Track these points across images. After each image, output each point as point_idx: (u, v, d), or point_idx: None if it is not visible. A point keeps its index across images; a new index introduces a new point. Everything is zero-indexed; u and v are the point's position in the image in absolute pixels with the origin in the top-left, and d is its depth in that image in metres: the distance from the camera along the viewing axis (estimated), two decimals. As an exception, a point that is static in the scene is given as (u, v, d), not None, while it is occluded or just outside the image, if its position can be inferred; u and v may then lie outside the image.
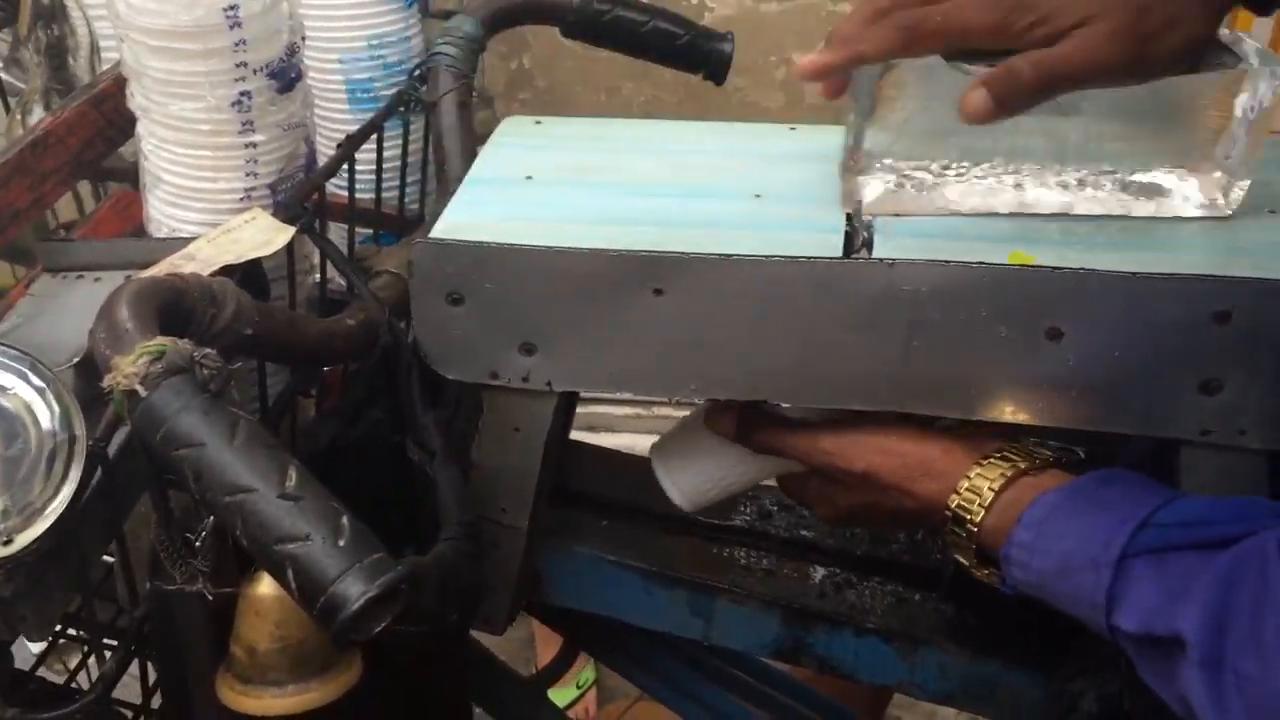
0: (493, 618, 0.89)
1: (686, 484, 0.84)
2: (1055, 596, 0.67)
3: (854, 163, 0.76)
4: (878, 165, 0.75)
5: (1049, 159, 0.75)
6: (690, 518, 0.94)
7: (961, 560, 0.73)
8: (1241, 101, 0.72)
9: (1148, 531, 0.63)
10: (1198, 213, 0.75)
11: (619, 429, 1.98)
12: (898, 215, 0.76)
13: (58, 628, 0.80)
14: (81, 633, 0.83)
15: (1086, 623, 0.66)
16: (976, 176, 0.76)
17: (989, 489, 0.71)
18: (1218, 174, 0.74)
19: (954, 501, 0.71)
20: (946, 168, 0.75)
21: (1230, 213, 0.75)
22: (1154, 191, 0.75)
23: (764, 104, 1.79)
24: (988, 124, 0.68)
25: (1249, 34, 0.74)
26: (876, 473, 0.75)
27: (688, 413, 0.87)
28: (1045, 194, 0.76)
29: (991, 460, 0.72)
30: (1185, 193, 0.75)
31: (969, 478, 0.71)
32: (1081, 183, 0.76)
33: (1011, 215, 0.76)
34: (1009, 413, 0.73)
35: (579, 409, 0.95)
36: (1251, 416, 0.70)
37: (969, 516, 0.71)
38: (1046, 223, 0.75)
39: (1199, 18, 0.67)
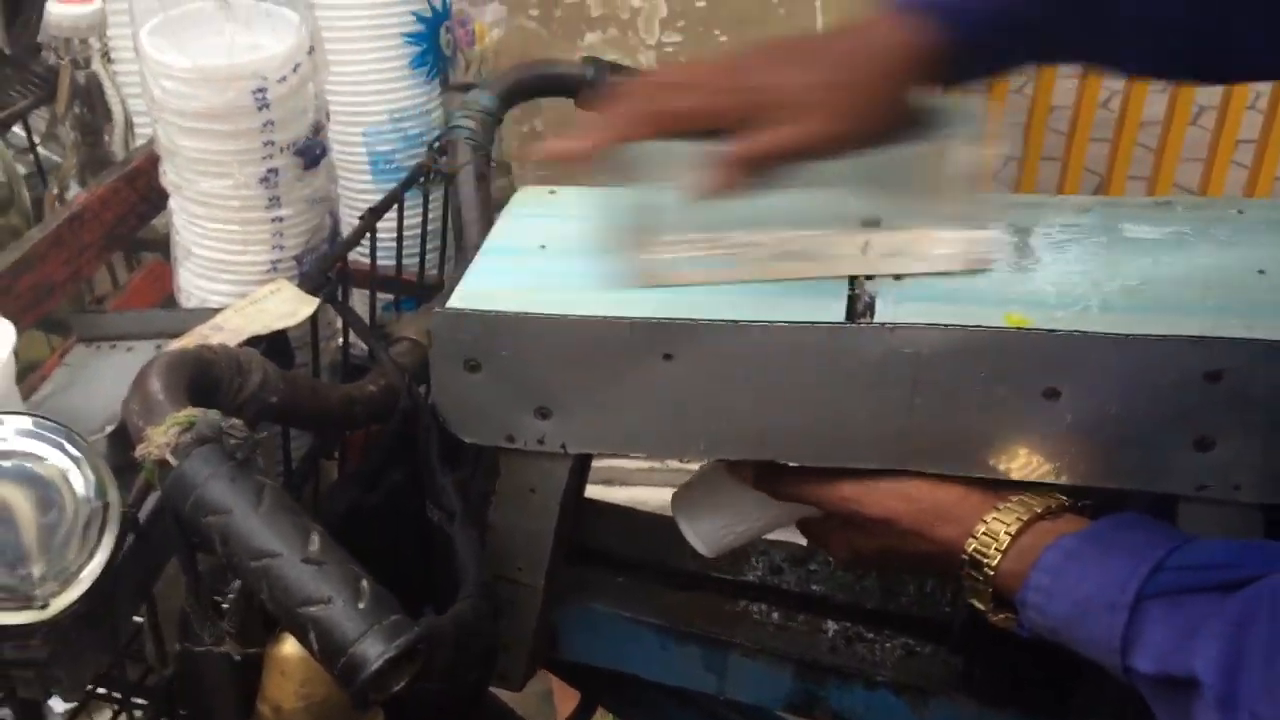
0: (510, 674, 0.91)
1: (707, 531, 0.86)
2: (1072, 640, 0.68)
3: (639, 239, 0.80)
4: (661, 239, 0.80)
5: (810, 225, 0.80)
6: (703, 574, 0.96)
7: (978, 605, 0.74)
8: (952, 163, 0.77)
9: (1162, 574, 0.65)
10: (959, 267, 0.79)
11: (633, 482, 2.00)
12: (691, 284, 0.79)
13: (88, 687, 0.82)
14: (111, 692, 0.86)
15: (1103, 665, 0.67)
16: (738, 246, 0.80)
17: (1005, 533, 0.72)
18: (963, 231, 0.79)
19: (971, 546, 0.73)
20: (717, 240, 0.80)
21: (991, 263, 0.79)
22: (912, 250, 0.80)
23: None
24: (716, 200, 0.73)
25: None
26: (895, 518, 0.76)
27: (705, 463, 0.90)
28: (813, 261, 0.80)
29: (1008, 505, 0.73)
30: (941, 250, 0.80)
31: (986, 522, 0.73)
32: (845, 247, 0.80)
33: (996, 277, 0.79)
34: (1010, 469, 0.75)
35: (594, 463, 0.98)
36: (1245, 472, 0.72)
37: (986, 560, 0.72)
38: (1043, 285, 0.78)
39: (898, 97, 0.75)
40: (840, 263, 0.80)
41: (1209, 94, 2.65)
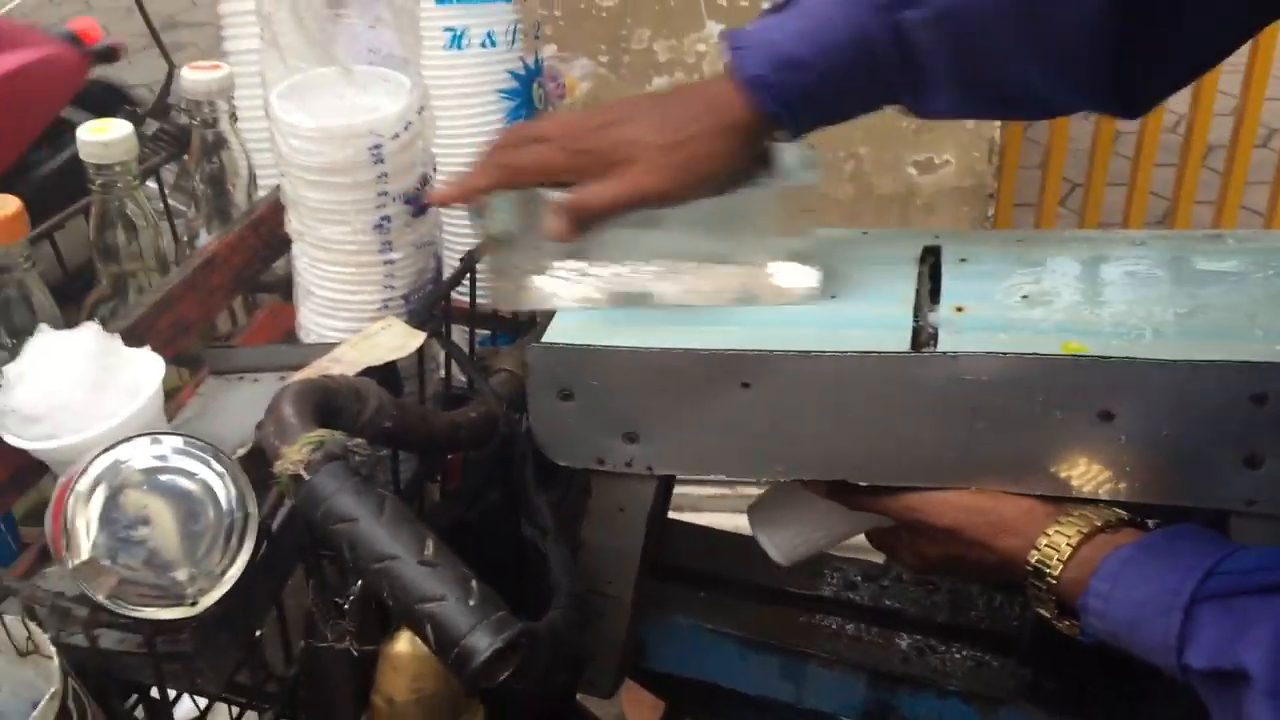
0: (600, 682, 0.97)
1: (782, 541, 0.92)
2: (1131, 642, 0.73)
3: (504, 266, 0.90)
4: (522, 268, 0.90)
5: (656, 259, 0.89)
6: (780, 588, 1.02)
7: (1043, 612, 0.79)
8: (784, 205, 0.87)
9: (1214, 579, 0.69)
10: (792, 297, 0.88)
11: (704, 508, 2.06)
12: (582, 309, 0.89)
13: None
14: (231, 695, 0.94)
15: (1159, 665, 0.71)
16: (600, 276, 0.89)
17: (1067, 544, 0.77)
18: (790, 264, 0.88)
19: (1034, 556, 0.78)
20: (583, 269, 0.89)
21: (812, 294, 0.88)
22: (751, 279, 0.88)
23: (835, 195, 1.89)
24: (567, 241, 0.85)
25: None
26: (961, 529, 0.82)
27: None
28: (652, 287, 0.89)
29: (1069, 519, 0.79)
30: (776, 281, 0.88)
31: (1048, 534, 0.78)
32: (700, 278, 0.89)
33: (1053, 307, 0.84)
34: (1066, 488, 0.80)
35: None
36: None
37: (1049, 570, 0.77)
38: (1098, 314, 0.83)
39: (725, 153, 0.84)
40: (688, 295, 0.89)
41: (1277, 116, 2.65)
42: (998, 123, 1.91)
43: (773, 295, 0.88)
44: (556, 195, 0.85)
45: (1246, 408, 0.76)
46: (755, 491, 0.98)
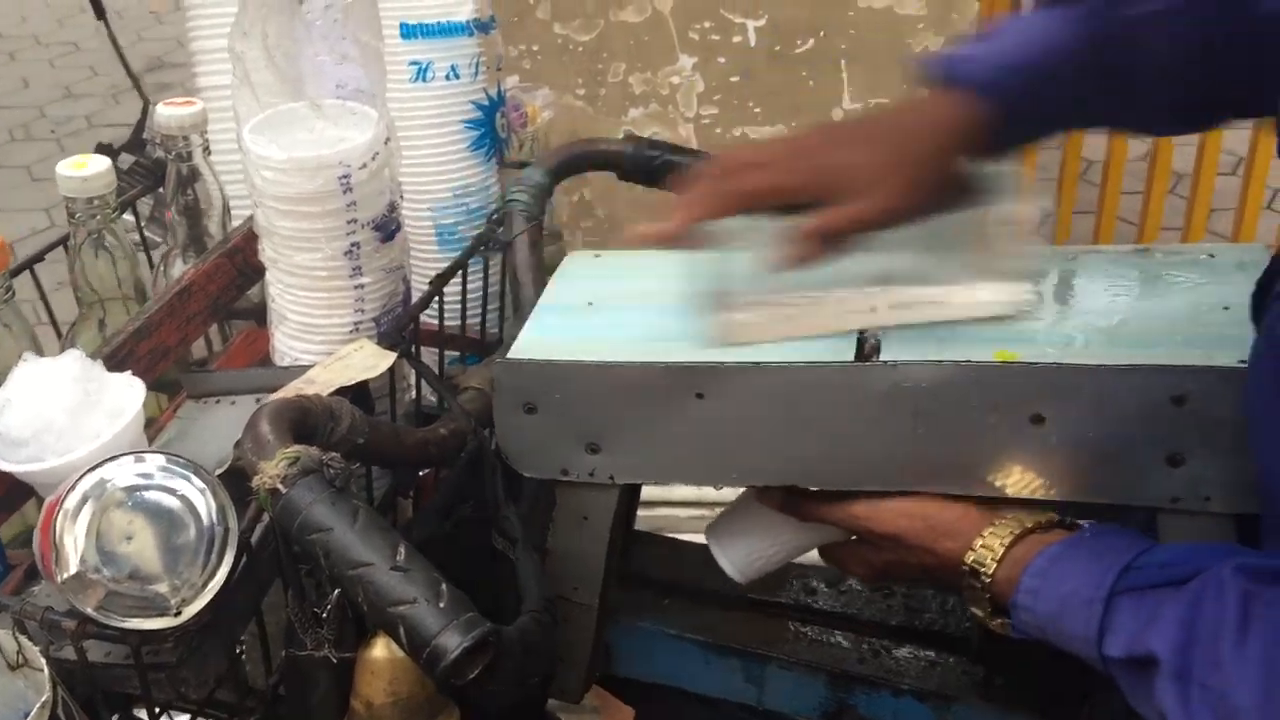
0: (568, 688, 1.01)
1: (738, 557, 0.96)
2: (1057, 634, 0.77)
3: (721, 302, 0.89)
4: (739, 302, 0.89)
5: (868, 285, 0.89)
6: (743, 595, 1.06)
7: (977, 611, 0.84)
8: (997, 226, 0.88)
9: (1131, 573, 0.74)
10: (1005, 311, 0.88)
11: (683, 530, 2.09)
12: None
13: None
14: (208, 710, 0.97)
15: (1082, 656, 0.76)
16: (800, 306, 0.89)
17: (1000, 545, 0.82)
18: (1004, 282, 0.89)
19: (970, 557, 0.83)
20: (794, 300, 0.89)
21: (1028, 308, 0.88)
22: (963, 303, 0.89)
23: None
24: (796, 269, 0.83)
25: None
26: (903, 534, 0.86)
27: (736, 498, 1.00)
28: (870, 314, 0.89)
29: (1003, 521, 0.83)
30: (986, 298, 0.89)
31: (983, 536, 0.83)
32: (897, 303, 0.89)
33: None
34: (1003, 488, 0.85)
35: (647, 514, 1.08)
36: (1214, 485, 0.81)
37: (983, 570, 0.82)
38: (1031, 324, 0.88)
39: (952, 168, 0.85)
40: (887, 315, 0.89)
41: (1240, 144, 2.72)
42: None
43: (985, 311, 0.89)
44: (787, 224, 0.84)
45: (1167, 409, 0.80)
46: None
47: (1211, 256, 0.94)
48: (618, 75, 1.87)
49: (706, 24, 1.82)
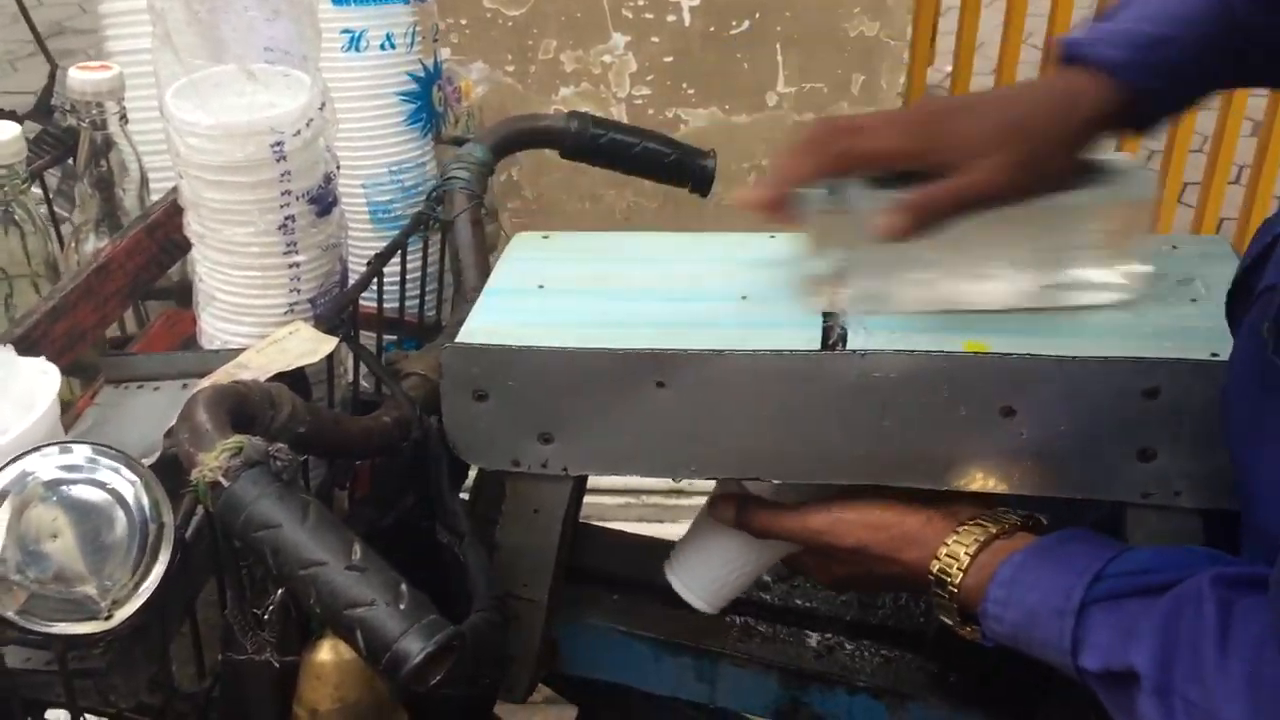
0: (515, 686, 0.97)
1: (701, 587, 0.93)
2: (1028, 645, 0.75)
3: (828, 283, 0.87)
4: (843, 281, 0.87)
5: (983, 265, 0.86)
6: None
7: (946, 620, 0.82)
8: (1123, 211, 0.85)
9: (1102, 582, 0.72)
10: (1117, 298, 0.86)
11: (610, 518, 2.07)
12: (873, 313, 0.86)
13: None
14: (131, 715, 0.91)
15: (1057, 666, 0.74)
16: (924, 281, 0.86)
17: (965, 553, 0.80)
18: (1125, 265, 0.86)
19: (935, 566, 0.80)
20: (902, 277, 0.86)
21: (1137, 295, 0.86)
22: (1076, 285, 0.87)
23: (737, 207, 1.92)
24: (905, 240, 0.79)
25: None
26: (866, 546, 0.84)
27: (677, 506, 0.97)
28: (984, 292, 0.87)
29: (967, 527, 0.81)
30: (1102, 282, 0.87)
31: (947, 544, 0.80)
32: (1014, 282, 0.87)
33: (968, 311, 0.86)
34: (972, 482, 0.83)
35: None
36: (1184, 480, 0.80)
37: (949, 579, 0.80)
38: (1000, 314, 0.86)
39: (1074, 148, 0.80)
40: (1011, 296, 0.86)
41: (1155, 138, 2.77)
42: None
43: (1094, 296, 0.86)
44: (898, 194, 0.79)
45: (1139, 402, 0.79)
46: (663, 500, 0.99)
47: (1174, 248, 0.93)
48: (548, 52, 1.82)
49: (640, 2, 1.78)
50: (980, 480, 0.83)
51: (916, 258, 0.85)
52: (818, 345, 0.83)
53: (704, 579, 0.93)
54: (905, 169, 0.79)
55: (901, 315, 0.85)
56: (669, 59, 1.82)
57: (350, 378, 0.99)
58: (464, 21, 1.79)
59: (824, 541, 0.85)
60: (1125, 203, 0.84)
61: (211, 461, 0.67)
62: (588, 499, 1.00)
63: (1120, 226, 0.86)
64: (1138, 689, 0.68)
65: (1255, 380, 0.69)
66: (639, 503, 2.05)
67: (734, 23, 1.79)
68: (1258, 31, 0.79)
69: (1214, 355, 0.78)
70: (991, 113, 0.79)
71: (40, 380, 0.80)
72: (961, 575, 0.79)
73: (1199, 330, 0.81)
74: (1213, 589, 0.66)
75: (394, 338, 1.09)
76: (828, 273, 0.87)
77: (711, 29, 1.79)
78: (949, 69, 2.31)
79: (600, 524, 1.15)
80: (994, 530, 0.80)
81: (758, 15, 1.78)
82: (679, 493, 1.99)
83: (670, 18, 1.79)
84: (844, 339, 0.84)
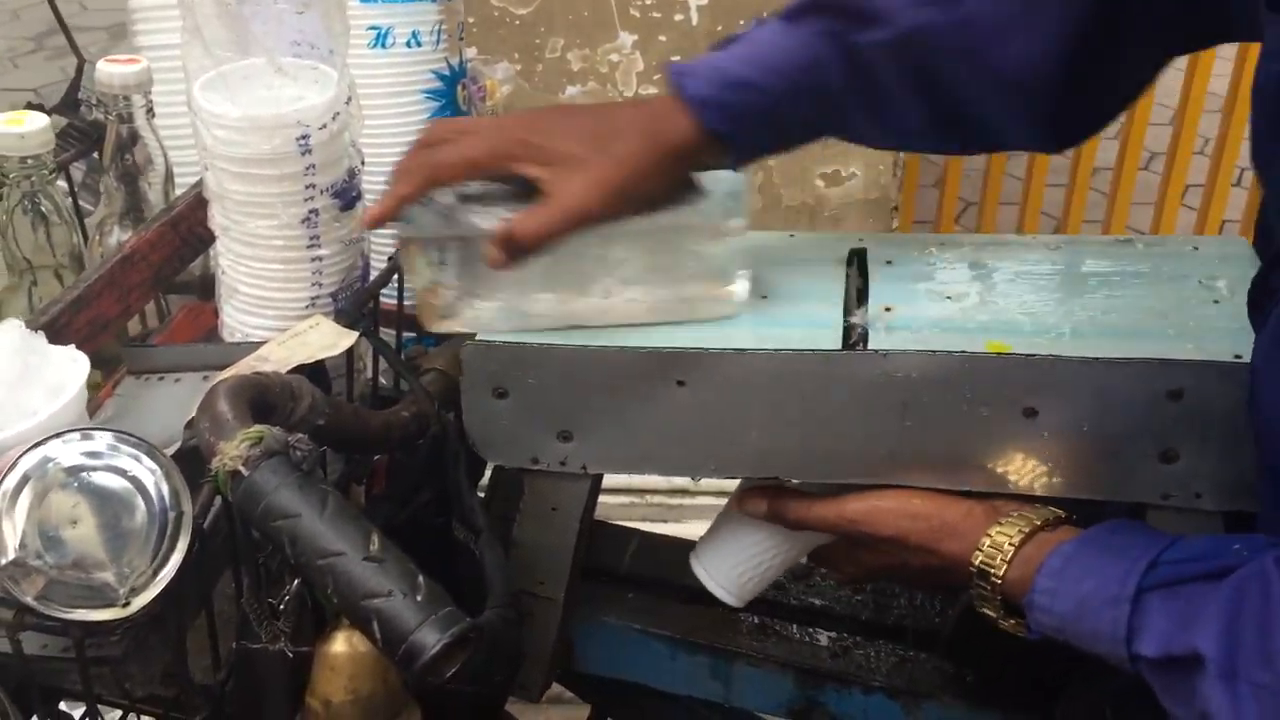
0: (529, 685, 0.97)
1: (728, 579, 0.92)
2: (1077, 635, 0.75)
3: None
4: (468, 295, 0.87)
5: (598, 283, 0.86)
6: (707, 590, 1.02)
7: (989, 612, 0.81)
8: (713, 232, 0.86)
9: (1158, 569, 0.72)
10: (727, 312, 0.86)
11: (615, 518, 2.06)
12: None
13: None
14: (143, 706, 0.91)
15: (1106, 657, 0.73)
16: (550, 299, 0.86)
17: (1009, 545, 0.79)
18: (725, 285, 0.87)
19: (977, 559, 0.80)
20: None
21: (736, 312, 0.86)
22: (692, 300, 0.87)
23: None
24: (507, 270, 0.82)
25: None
26: (904, 536, 0.83)
27: (683, 506, 0.97)
28: (601, 305, 0.87)
29: (1010, 519, 0.80)
30: (711, 297, 0.87)
31: (990, 536, 0.80)
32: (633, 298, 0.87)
33: (976, 308, 0.86)
34: (992, 483, 0.82)
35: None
36: (1206, 482, 0.80)
37: (993, 571, 0.79)
38: (1021, 315, 0.85)
39: (663, 175, 0.83)
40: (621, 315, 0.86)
41: (1159, 141, 2.77)
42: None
43: (704, 310, 0.87)
44: (486, 227, 0.82)
45: (1162, 403, 0.79)
46: (668, 500, 0.99)
47: (1195, 249, 0.92)
48: (555, 50, 1.82)
49: (648, 1, 1.78)
50: (1001, 480, 0.83)
51: (538, 274, 0.85)
52: (839, 345, 0.83)
53: (731, 572, 0.92)
54: (498, 174, 0.83)
55: (911, 315, 0.85)
56: (676, 58, 1.81)
57: (369, 373, 0.99)
58: (472, 20, 1.79)
59: (860, 531, 0.84)
60: (713, 226, 0.86)
61: (232, 450, 0.67)
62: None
63: (714, 244, 0.86)
64: (1201, 674, 0.67)
65: None
66: (644, 502, 2.05)
67: (741, 22, 1.78)
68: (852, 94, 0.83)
69: (1237, 356, 0.77)
70: (582, 133, 0.82)
71: (70, 367, 0.81)
72: (1006, 567, 0.78)
73: (1222, 331, 0.81)
74: (1278, 569, 0.65)
75: (413, 334, 1.09)
76: (449, 289, 0.88)
77: (719, 28, 1.79)
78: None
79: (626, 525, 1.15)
80: (1038, 522, 0.80)
81: (765, 14, 1.77)
82: (684, 492, 1.98)
83: (678, 16, 1.79)
84: (865, 339, 0.84)
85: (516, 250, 0.81)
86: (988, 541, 0.79)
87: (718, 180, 0.88)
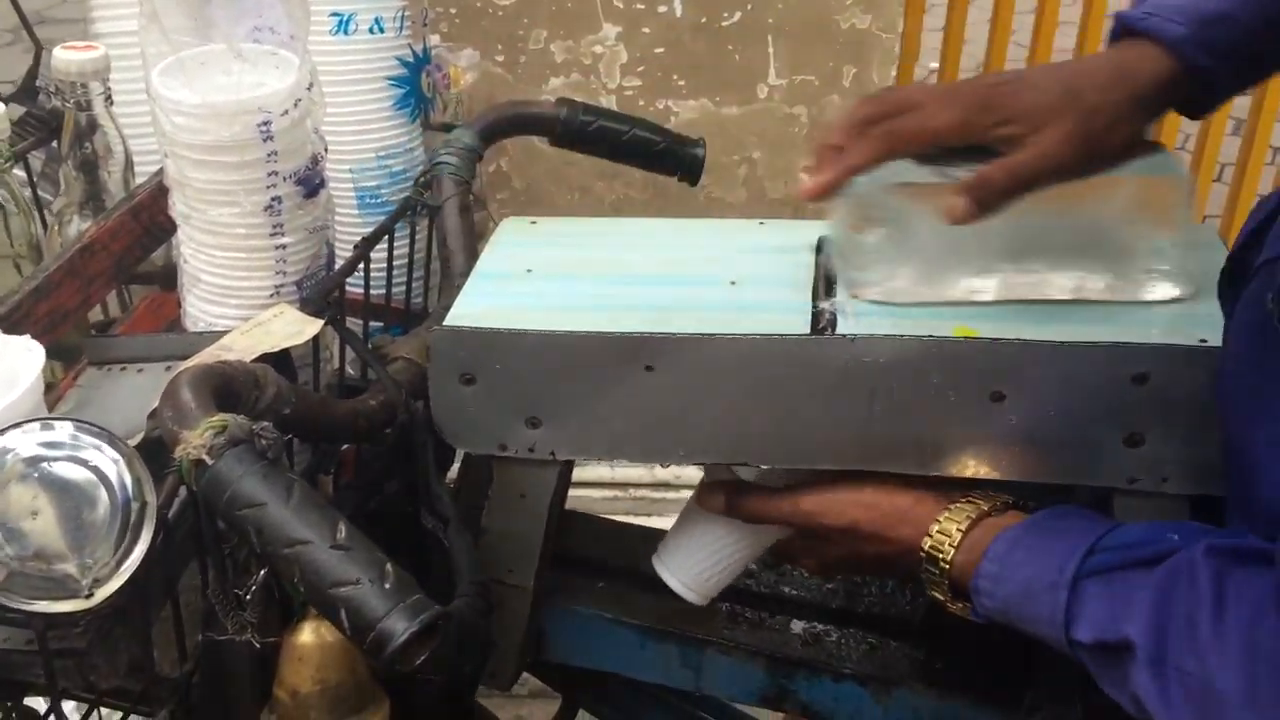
0: (500, 674, 0.96)
1: (690, 578, 0.92)
2: (1020, 619, 0.75)
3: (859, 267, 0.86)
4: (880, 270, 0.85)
5: (1018, 258, 0.85)
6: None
7: (937, 596, 0.81)
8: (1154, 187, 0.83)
9: (1096, 556, 0.72)
10: (1162, 295, 0.84)
11: (597, 513, 2.06)
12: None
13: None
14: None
15: (1047, 641, 0.74)
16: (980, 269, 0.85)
17: (957, 530, 0.80)
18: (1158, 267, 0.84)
19: (927, 544, 0.80)
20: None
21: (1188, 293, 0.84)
22: (1119, 287, 0.85)
23: (728, 199, 1.92)
24: (968, 224, 0.77)
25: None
26: (857, 525, 0.83)
27: (664, 500, 0.96)
28: (1016, 287, 0.85)
29: (958, 506, 0.81)
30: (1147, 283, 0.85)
31: (939, 521, 0.80)
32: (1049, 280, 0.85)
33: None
34: (960, 468, 0.83)
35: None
36: (1171, 466, 0.80)
37: (941, 556, 0.80)
38: (988, 300, 0.85)
39: (1135, 124, 0.79)
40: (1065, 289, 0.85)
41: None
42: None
43: (1149, 292, 0.84)
44: (962, 174, 0.77)
45: (1128, 388, 0.79)
46: (650, 494, 0.98)
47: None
48: (539, 42, 1.82)
49: (631, -8, 1.78)
50: (969, 465, 0.83)
51: (965, 242, 0.82)
52: (807, 330, 0.83)
53: (693, 570, 0.92)
54: (959, 144, 0.78)
55: (877, 301, 0.85)
56: (660, 50, 1.81)
57: (336, 363, 0.98)
58: (454, 11, 1.78)
59: (816, 523, 0.85)
60: (1154, 179, 0.83)
61: (195, 439, 0.66)
62: (573, 493, 0.99)
63: (1154, 204, 0.84)
64: (1132, 660, 0.67)
65: (1255, 350, 0.69)
66: (626, 496, 2.04)
67: (725, 14, 1.78)
68: None
69: (1203, 341, 0.78)
70: (1050, 85, 0.78)
71: (24, 358, 0.79)
72: (953, 551, 0.79)
73: (1188, 317, 0.81)
74: (1207, 560, 0.66)
75: (380, 324, 1.08)
76: (877, 257, 0.85)
77: (703, 20, 1.79)
78: (934, 65, 2.31)
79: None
80: (985, 508, 0.80)
81: (749, 7, 1.77)
82: (665, 485, 1.98)
83: (661, 8, 1.78)
84: (833, 324, 0.83)
85: (989, 196, 0.77)
86: (936, 527, 0.80)
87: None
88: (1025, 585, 0.74)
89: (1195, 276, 0.84)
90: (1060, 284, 0.85)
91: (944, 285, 0.85)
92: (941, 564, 0.80)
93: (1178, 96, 0.80)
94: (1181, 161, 0.84)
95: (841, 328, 0.83)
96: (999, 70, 0.74)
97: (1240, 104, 2.50)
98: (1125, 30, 0.80)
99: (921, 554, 0.81)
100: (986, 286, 0.85)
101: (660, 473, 1.96)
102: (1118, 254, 0.85)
